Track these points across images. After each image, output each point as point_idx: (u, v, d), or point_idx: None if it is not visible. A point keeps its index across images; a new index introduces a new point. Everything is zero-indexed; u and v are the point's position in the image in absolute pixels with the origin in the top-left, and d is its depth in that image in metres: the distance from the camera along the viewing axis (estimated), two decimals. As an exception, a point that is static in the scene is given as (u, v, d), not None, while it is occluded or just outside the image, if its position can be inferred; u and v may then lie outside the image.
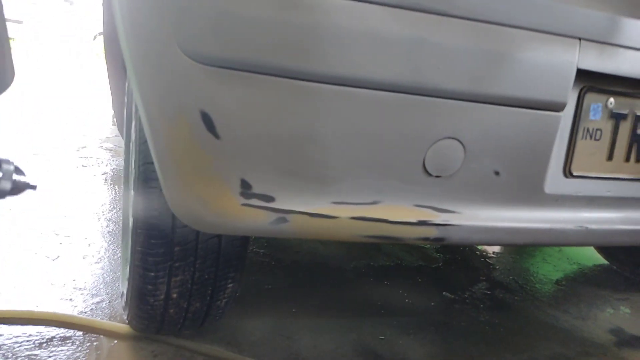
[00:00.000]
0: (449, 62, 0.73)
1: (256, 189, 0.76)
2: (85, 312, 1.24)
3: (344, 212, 0.79)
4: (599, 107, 0.88)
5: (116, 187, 2.25)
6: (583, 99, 0.86)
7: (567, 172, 0.89)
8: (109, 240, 1.67)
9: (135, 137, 0.93)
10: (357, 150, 0.76)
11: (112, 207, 1.99)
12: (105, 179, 2.33)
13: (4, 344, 1.08)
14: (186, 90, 0.72)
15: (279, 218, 0.77)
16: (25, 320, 1.12)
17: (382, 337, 1.30)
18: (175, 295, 0.96)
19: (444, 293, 1.61)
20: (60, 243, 1.59)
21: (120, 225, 1.37)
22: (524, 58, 0.75)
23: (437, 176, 0.81)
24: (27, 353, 1.06)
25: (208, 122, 0.73)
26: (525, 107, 0.79)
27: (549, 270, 1.94)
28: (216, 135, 0.73)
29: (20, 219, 1.73)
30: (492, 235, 0.89)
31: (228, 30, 0.68)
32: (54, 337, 1.12)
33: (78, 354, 1.08)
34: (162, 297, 0.95)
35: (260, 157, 0.74)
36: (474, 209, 0.86)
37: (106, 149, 2.87)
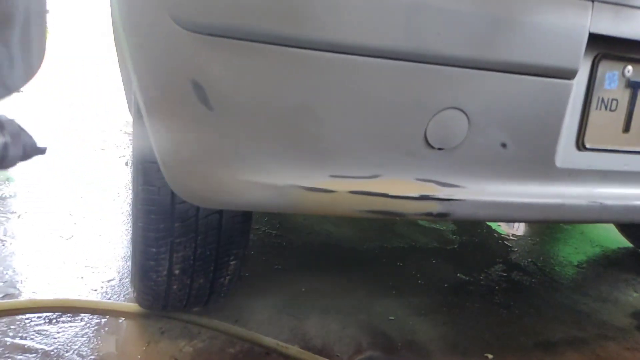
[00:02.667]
0: (451, 26, 0.69)
1: (251, 163, 0.74)
2: (96, 290, 1.25)
3: (343, 185, 0.77)
4: (614, 75, 0.83)
5: (131, 168, 2.27)
6: (597, 67, 0.82)
7: (580, 145, 0.85)
8: (123, 220, 1.68)
9: (135, 111, 0.92)
10: (355, 121, 0.74)
11: (127, 188, 2.01)
12: (122, 162, 2.36)
13: (15, 320, 1.10)
14: (177, 60, 0.71)
15: (275, 192, 0.76)
16: (33, 308, 1.13)
17: (392, 318, 1.28)
18: (177, 272, 0.95)
19: (458, 275, 1.57)
20: (75, 223, 1.61)
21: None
22: (531, 21, 0.71)
23: (439, 148, 0.77)
24: (37, 328, 1.08)
25: (200, 92, 0.71)
26: (534, 74, 0.75)
27: (570, 252, 1.88)
28: (209, 107, 0.72)
29: (36, 201, 1.76)
30: (500, 210, 0.85)
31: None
32: (64, 315, 1.14)
33: (86, 330, 1.09)
34: (165, 273, 0.95)
35: (255, 130, 0.73)
36: (479, 183, 0.82)
37: (125, 132, 2.90)
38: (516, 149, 0.80)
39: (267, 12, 0.67)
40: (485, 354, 1.19)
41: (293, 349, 1.09)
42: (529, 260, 1.75)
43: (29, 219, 1.60)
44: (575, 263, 1.79)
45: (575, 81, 0.78)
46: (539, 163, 0.83)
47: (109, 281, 1.30)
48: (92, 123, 2.89)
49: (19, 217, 1.61)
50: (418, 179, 0.80)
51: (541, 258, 1.78)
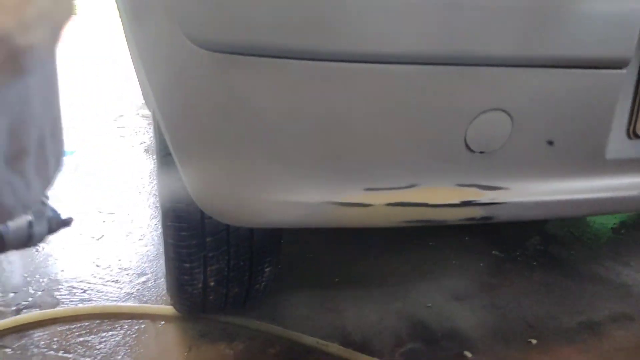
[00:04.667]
0: (488, 24, 0.63)
1: (281, 182, 0.71)
2: (132, 294, 1.26)
3: (378, 198, 0.73)
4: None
5: (154, 156, 2.26)
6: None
7: (631, 133, 0.79)
8: (151, 215, 1.68)
9: (155, 126, 0.89)
10: (388, 131, 0.69)
11: (151, 179, 2.00)
12: (144, 149, 2.34)
13: (56, 331, 1.11)
14: (196, 79, 0.67)
15: (308, 210, 0.72)
16: (72, 317, 1.14)
17: (429, 305, 1.26)
18: (212, 284, 0.94)
19: (493, 252, 1.54)
20: (104, 221, 1.62)
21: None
22: (578, 11, 0.64)
23: (480, 152, 0.72)
24: (79, 340, 1.09)
25: (225, 113, 0.67)
26: (582, 67, 0.69)
27: (607, 218, 1.82)
28: (232, 126, 0.68)
29: (65, 200, 1.76)
30: (547, 209, 0.81)
31: (233, 13, 0.61)
32: (103, 322, 1.15)
33: (127, 338, 1.10)
34: (200, 285, 0.94)
35: (282, 148, 0.69)
36: (524, 183, 0.77)
37: (142, 116, 2.88)
38: (563, 145, 0.75)
39: (289, 26, 0.61)
40: (529, 339, 1.16)
41: (333, 347, 1.08)
42: (566, 229, 1.70)
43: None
44: (613, 230, 1.74)
45: (627, 70, 0.71)
46: (588, 157, 0.78)
47: (143, 283, 1.30)
48: (108, 109, 2.86)
49: (49, 218, 1.62)
50: (458, 185, 0.75)
51: (578, 226, 1.73)
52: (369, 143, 0.70)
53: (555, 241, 1.61)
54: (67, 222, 0.38)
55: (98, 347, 1.07)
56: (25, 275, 1.31)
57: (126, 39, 0.91)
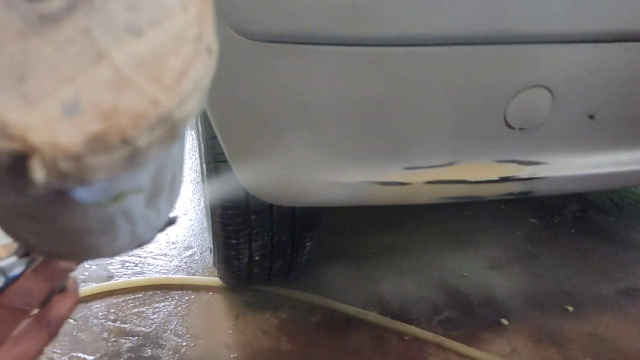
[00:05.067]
0: (525, 2, 0.63)
1: (324, 163, 0.74)
2: (180, 266, 1.33)
3: (418, 177, 0.75)
4: None
5: (193, 132, 2.31)
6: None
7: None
8: (193, 190, 1.74)
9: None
10: (427, 112, 0.70)
11: (191, 154, 2.06)
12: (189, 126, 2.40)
13: (112, 303, 1.19)
14: (243, 69, 0.69)
15: (349, 189, 0.75)
16: (127, 289, 1.22)
17: (465, 274, 1.29)
18: (257, 258, 0.99)
19: (530, 220, 1.54)
20: (149, 197, 1.68)
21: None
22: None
23: (520, 128, 0.73)
24: (134, 311, 1.17)
25: (271, 98, 0.69)
26: (623, 40, 0.68)
27: (649, 183, 1.78)
28: (277, 111, 0.70)
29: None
30: (587, 182, 0.81)
31: (275, 3, 0.62)
32: (155, 294, 1.22)
33: (179, 308, 1.18)
34: (246, 260, 0.99)
35: (323, 130, 0.71)
36: (564, 157, 0.78)
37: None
38: (604, 118, 0.75)
39: (330, 12, 0.62)
40: (566, 307, 1.18)
41: (372, 315, 1.13)
42: (605, 195, 1.68)
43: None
44: (656, 194, 1.71)
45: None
46: (631, 129, 0.77)
47: (190, 256, 1.37)
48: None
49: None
50: (498, 161, 0.76)
51: (618, 193, 1.70)
52: (408, 124, 0.71)
53: (594, 208, 1.60)
54: (173, 221, 0.41)
55: (152, 317, 1.15)
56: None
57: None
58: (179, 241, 1.43)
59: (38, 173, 0.18)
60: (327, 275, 1.28)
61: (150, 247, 1.40)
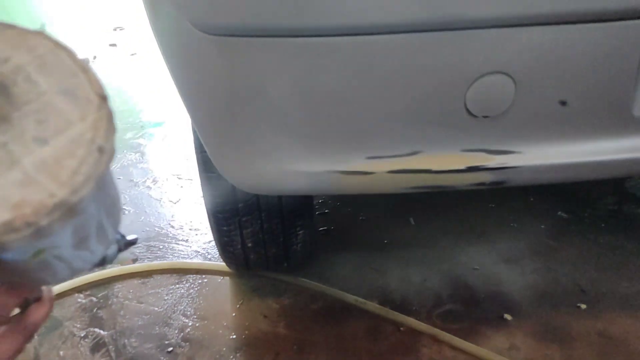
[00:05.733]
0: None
1: (288, 153, 0.76)
2: (199, 252, 1.40)
3: (381, 166, 0.75)
4: None
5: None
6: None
7: (665, 89, 0.72)
8: (222, 180, 1.82)
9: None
10: (386, 101, 0.71)
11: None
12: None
13: (134, 284, 1.29)
14: (202, 62, 0.72)
15: (314, 178, 0.77)
16: (147, 272, 1.30)
17: (476, 268, 1.26)
18: (250, 244, 1.03)
19: (559, 213, 1.46)
20: (182, 186, 1.78)
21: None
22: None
23: (484, 116, 0.71)
24: (151, 291, 1.26)
25: (233, 93, 0.73)
26: (591, 21, 0.64)
27: None
28: (239, 103, 0.73)
29: (150, 166, 1.96)
30: (568, 172, 0.78)
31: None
32: (172, 277, 1.30)
33: (191, 291, 1.25)
34: (239, 246, 1.03)
35: (284, 120, 0.73)
36: (538, 146, 0.75)
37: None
38: (579, 105, 0.71)
39: (281, 4, 0.64)
40: (578, 304, 1.12)
41: (370, 305, 1.13)
42: (648, 188, 1.56)
43: (145, 185, 1.80)
44: None
45: (650, 19, 0.64)
46: (611, 116, 0.73)
47: (209, 242, 1.44)
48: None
49: (135, 185, 1.81)
50: (464, 150, 0.75)
51: (664, 185, 1.58)
52: (367, 114, 0.72)
53: (632, 201, 1.49)
54: (132, 242, 0.47)
55: (165, 298, 1.23)
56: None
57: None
58: (201, 228, 1.51)
59: None
60: (335, 264, 1.29)
61: (173, 233, 1.49)
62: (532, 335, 1.05)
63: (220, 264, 1.31)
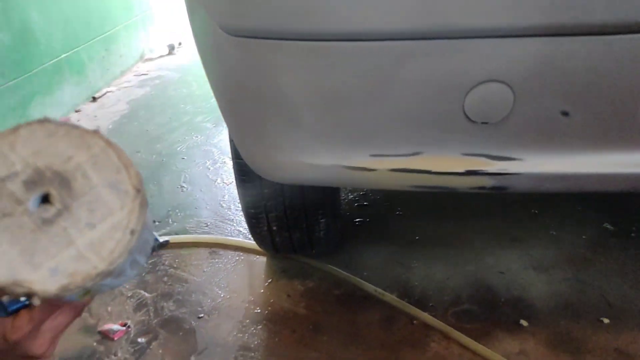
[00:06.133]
0: (469, -1, 0.64)
1: (301, 147, 0.82)
2: (241, 231, 1.51)
3: (383, 164, 0.80)
4: None
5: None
6: None
7: (682, 104, 0.70)
8: (274, 167, 1.92)
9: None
10: (389, 103, 0.75)
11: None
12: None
13: (180, 255, 1.42)
14: (231, 61, 0.81)
15: (322, 171, 0.83)
16: (193, 244, 1.44)
17: (503, 272, 1.26)
18: (275, 228, 1.11)
19: (604, 224, 1.41)
20: (236, 170, 1.91)
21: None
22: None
23: (483, 122, 0.74)
24: (194, 263, 1.38)
25: (255, 92, 0.80)
26: (590, 34, 0.64)
27: None
28: (259, 99, 0.81)
29: (211, 150, 2.10)
30: (571, 182, 0.78)
31: (246, 3, 0.73)
32: (214, 252, 1.42)
33: (227, 266, 1.36)
34: (265, 228, 1.12)
35: (297, 117, 0.80)
36: (540, 155, 0.76)
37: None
38: (582, 116, 0.71)
39: (293, 10, 0.70)
40: (601, 318, 1.10)
41: (388, 296, 1.18)
42: None
43: (205, 166, 1.95)
44: None
45: (654, 33, 0.64)
46: (618, 129, 0.72)
47: (252, 223, 1.54)
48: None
49: (196, 165, 1.97)
50: (465, 154, 0.78)
51: None
52: (372, 114, 0.76)
53: (689, 219, 1.40)
54: (164, 245, 0.56)
55: (205, 270, 1.35)
56: (169, 209, 1.65)
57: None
58: (246, 210, 1.62)
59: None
60: (364, 255, 1.35)
61: (221, 212, 1.61)
62: (545, 344, 1.05)
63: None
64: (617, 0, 0.61)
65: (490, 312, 1.14)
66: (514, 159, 0.76)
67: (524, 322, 1.10)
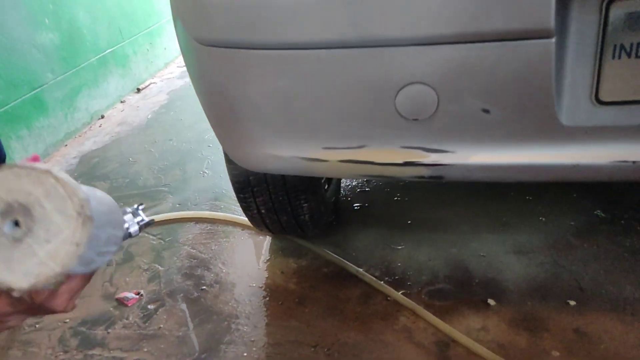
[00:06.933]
0: (383, 10, 0.72)
1: (265, 141, 0.94)
2: (250, 213, 1.65)
3: (334, 155, 0.90)
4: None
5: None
6: (608, 12, 0.70)
7: (594, 100, 0.76)
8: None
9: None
10: (333, 102, 0.85)
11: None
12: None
13: (193, 233, 1.58)
14: (204, 67, 0.93)
15: (283, 162, 0.94)
16: (209, 220, 1.60)
17: (483, 255, 1.32)
18: (263, 211, 1.24)
19: (596, 212, 1.44)
20: (255, 156, 2.05)
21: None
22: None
23: (414, 119, 0.82)
24: (204, 241, 1.54)
25: (224, 93, 0.92)
26: (499, 40, 0.71)
27: None
28: (228, 100, 0.93)
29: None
30: (498, 172, 0.85)
31: (209, 18, 0.85)
32: (223, 231, 1.58)
33: (233, 244, 1.51)
34: (255, 211, 1.25)
35: (262, 114, 0.91)
36: (468, 147, 0.84)
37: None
38: (501, 113, 0.78)
39: (249, 24, 0.82)
40: (568, 300, 1.15)
41: (367, 277, 1.28)
42: None
43: (227, 153, 2.10)
44: None
45: (555, 39, 0.70)
46: (537, 123, 0.78)
47: (261, 206, 1.68)
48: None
49: (219, 152, 2.12)
50: (403, 147, 0.86)
51: None
52: (320, 112, 0.87)
53: (684, 207, 1.40)
54: (150, 223, 0.71)
55: (213, 247, 1.50)
56: (195, 192, 1.83)
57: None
58: (257, 194, 1.75)
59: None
60: (356, 237, 1.45)
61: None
62: (508, 322, 1.12)
63: (262, 226, 1.54)
64: (512, 11, 0.68)
65: (461, 291, 1.22)
66: (446, 152, 0.85)
67: (491, 302, 1.17)
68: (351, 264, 1.32)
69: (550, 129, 0.79)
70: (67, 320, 1.30)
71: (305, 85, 0.84)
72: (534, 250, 1.32)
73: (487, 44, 0.72)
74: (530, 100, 0.76)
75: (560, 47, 0.72)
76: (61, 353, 1.20)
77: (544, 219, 1.44)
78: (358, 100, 0.83)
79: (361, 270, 1.30)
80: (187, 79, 3.14)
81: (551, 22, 0.68)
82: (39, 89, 2.22)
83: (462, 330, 1.10)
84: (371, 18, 0.74)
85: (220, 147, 2.00)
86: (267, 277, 1.35)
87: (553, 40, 0.70)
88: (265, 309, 1.25)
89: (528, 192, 1.57)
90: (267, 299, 1.28)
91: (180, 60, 3.56)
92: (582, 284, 1.19)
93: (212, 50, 0.88)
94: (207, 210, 1.69)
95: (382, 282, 1.27)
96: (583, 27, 0.72)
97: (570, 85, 0.76)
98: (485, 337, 1.09)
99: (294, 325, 1.19)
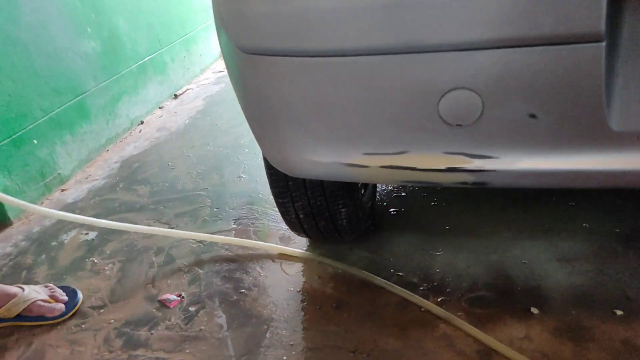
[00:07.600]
0: (427, 16, 0.72)
1: (307, 147, 0.95)
2: (287, 218, 1.66)
3: (375, 161, 0.90)
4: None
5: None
6: None
7: (648, 105, 0.73)
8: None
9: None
10: (376, 108, 0.85)
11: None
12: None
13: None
14: (247, 75, 0.95)
15: (324, 167, 0.95)
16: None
17: (525, 262, 1.30)
18: (302, 216, 1.25)
19: (642, 218, 1.39)
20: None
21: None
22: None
23: (457, 125, 0.82)
24: (241, 245, 1.56)
25: (268, 100, 0.94)
26: (547, 44, 0.70)
27: None
28: (270, 105, 0.94)
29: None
30: (547, 179, 0.84)
31: (253, 27, 0.86)
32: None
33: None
34: (294, 216, 1.26)
35: (304, 121, 0.92)
36: (515, 153, 0.82)
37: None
38: (548, 118, 0.77)
39: (289, 32, 0.83)
40: (615, 310, 1.12)
41: (397, 289, 1.27)
42: None
43: (261, 159, 2.11)
44: None
45: (606, 43, 0.68)
46: (586, 129, 0.77)
47: (297, 211, 1.69)
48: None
49: (255, 157, 2.15)
50: (446, 153, 0.86)
51: None
52: (362, 118, 0.87)
53: None
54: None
55: (250, 251, 1.52)
56: (232, 196, 1.85)
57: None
58: (293, 199, 1.77)
59: None
60: (393, 242, 1.45)
61: (271, 200, 1.77)
62: (551, 331, 1.09)
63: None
64: (561, 16, 0.67)
65: (503, 299, 1.19)
66: (490, 157, 0.84)
67: (534, 310, 1.15)
68: (379, 278, 1.31)
69: (599, 135, 0.77)
70: (112, 320, 1.34)
71: (347, 92, 0.85)
72: (578, 257, 1.29)
73: (534, 48, 0.71)
74: (578, 106, 0.75)
75: (611, 50, 0.70)
76: (106, 353, 1.24)
77: (587, 225, 1.40)
78: (400, 106, 0.83)
79: (389, 283, 1.29)
80: (223, 85, 3.20)
81: (602, 25, 0.67)
82: (81, 96, 2.30)
83: (504, 338, 1.08)
84: (415, 24, 0.74)
85: (257, 152, 2.03)
86: (304, 282, 1.36)
87: (603, 44, 0.69)
88: (303, 313, 1.26)
89: (570, 197, 1.53)
90: (305, 303, 1.29)
91: (216, 67, 3.62)
92: (629, 293, 1.16)
93: (254, 58, 0.90)
94: (246, 215, 1.72)
95: (420, 288, 1.26)
96: (636, 30, 0.70)
97: (621, 90, 0.74)
98: (529, 346, 1.07)
99: (332, 330, 1.19)
